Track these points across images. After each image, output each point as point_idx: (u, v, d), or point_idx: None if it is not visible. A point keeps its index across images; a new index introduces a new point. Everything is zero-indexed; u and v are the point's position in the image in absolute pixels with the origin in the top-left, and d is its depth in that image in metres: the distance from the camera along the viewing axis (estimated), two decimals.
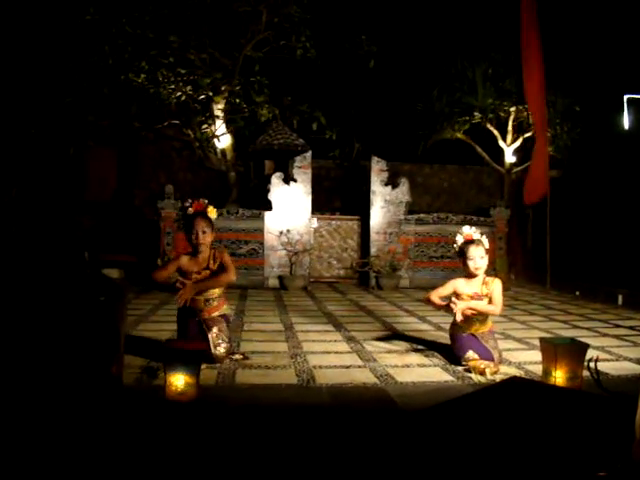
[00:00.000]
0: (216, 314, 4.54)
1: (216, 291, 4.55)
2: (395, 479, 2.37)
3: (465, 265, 4.61)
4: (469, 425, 2.63)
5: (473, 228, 4.73)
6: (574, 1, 13.51)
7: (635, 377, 4.23)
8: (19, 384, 2.68)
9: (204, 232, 4.43)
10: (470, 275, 4.62)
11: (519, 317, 7.24)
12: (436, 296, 4.68)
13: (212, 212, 4.57)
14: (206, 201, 4.61)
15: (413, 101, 14.18)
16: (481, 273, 4.60)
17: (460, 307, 4.40)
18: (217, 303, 4.57)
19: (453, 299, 4.48)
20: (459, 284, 4.66)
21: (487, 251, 4.65)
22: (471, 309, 4.49)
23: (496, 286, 4.58)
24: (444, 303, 4.58)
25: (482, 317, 4.57)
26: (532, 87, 10.73)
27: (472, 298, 4.56)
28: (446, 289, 4.70)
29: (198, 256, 4.48)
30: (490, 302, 4.56)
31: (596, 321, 7.01)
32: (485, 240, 4.67)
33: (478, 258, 4.56)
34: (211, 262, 4.48)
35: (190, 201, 4.59)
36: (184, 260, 4.50)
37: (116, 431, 2.83)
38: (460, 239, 4.68)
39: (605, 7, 13.37)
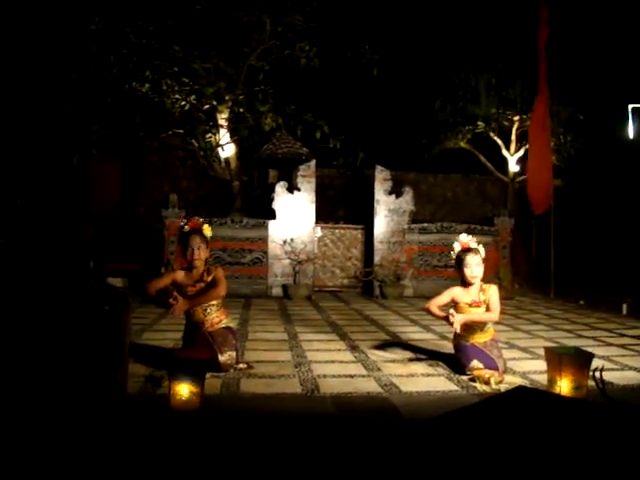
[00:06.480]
0: (220, 326, 4.58)
1: (212, 301, 4.61)
2: None
3: (461, 273, 4.62)
4: (475, 435, 2.62)
5: (470, 236, 4.73)
6: (578, 10, 13.55)
7: None
8: (23, 391, 2.68)
9: (199, 248, 4.57)
10: (467, 283, 4.63)
11: (523, 326, 7.22)
12: (435, 305, 4.69)
13: (207, 230, 4.71)
14: (201, 219, 4.78)
15: (417, 110, 14.22)
16: (477, 281, 4.61)
17: (458, 319, 4.40)
18: (217, 313, 4.61)
19: (451, 311, 4.49)
20: (457, 293, 4.66)
21: (484, 260, 4.66)
22: (470, 320, 4.49)
23: (493, 292, 4.60)
24: (444, 314, 4.57)
25: (481, 324, 4.58)
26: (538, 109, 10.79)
27: (470, 306, 4.57)
28: (444, 298, 4.71)
29: (193, 271, 4.61)
30: (488, 309, 4.57)
31: (600, 330, 6.98)
32: (482, 249, 4.68)
33: (474, 266, 4.56)
34: (205, 275, 4.59)
35: (186, 219, 4.82)
36: (180, 275, 4.62)
37: (120, 439, 2.83)
38: (457, 247, 4.68)
39: (609, 16, 13.41)
